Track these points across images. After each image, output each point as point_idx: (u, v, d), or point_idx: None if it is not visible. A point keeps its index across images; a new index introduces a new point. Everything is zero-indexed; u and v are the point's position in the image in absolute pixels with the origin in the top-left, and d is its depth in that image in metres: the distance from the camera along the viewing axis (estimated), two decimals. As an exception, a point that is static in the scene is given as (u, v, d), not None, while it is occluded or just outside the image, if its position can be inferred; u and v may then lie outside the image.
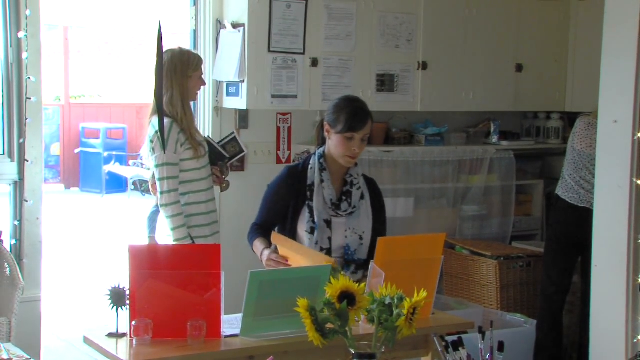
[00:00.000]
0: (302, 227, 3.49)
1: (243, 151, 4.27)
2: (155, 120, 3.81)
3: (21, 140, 4.41)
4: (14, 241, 4.47)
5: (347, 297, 2.25)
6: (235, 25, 4.75)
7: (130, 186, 12.37)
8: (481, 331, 2.66)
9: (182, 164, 3.90)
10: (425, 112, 5.40)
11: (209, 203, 4.01)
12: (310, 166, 3.55)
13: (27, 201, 4.43)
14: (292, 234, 3.52)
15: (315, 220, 3.48)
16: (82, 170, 13.23)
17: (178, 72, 3.92)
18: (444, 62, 5.28)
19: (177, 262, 2.88)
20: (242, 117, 5.03)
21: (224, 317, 2.91)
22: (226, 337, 2.91)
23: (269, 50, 4.74)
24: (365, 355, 2.22)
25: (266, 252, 3.42)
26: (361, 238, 3.52)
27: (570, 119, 5.70)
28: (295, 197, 3.53)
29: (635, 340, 3.66)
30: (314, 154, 3.58)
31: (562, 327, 4.83)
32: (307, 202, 3.51)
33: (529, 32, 5.59)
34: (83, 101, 14.62)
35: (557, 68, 5.71)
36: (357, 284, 2.27)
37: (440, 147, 5.36)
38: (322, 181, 3.51)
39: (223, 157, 4.14)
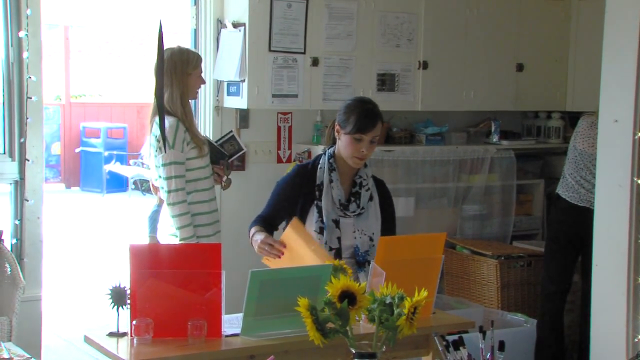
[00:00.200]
0: (311, 227, 3.49)
1: (242, 149, 4.27)
2: (162, 119, 3.80)
3: (22, 140, 4.41)
4: (14, 240, 4.47)
5: (348, 297, 2.25)
6: (235, 25, 4.75)
7: (131, 185, 12.37)
8: (482, 330, 2.66)
9: (187, 163, 3.89)
10: (426, 112, 5.40)
11: (211, 202, 4.01)
12: (319, 166, 3.55)
13: (27, 200, 4.44)
14: None
15: (324, 220, 3.48)
16: (82, 169, 13.23)
17: (177, 70, 3.92)
18: (445, 61, 5.28)
19: (177, 262, 2.88)
20: (243, 116, 5.03)
21: (225, 317, 2.91)
22: (227, 336, 2.91)
23: (270, 50, 4.74)
24: (366, 355, 2.22)
25: (259, 236, 3.40)
26: (371, 239, 3.52)
27: (571, 118, 5.71)
28: (303, 196, 3.53)
29: (636, 340, 3.66)
30: (324, 153, 3.58)
31: (563, 326, 4.83)
32: (315, 202, 3.51)
33: (530, 32, 5.58)
34: (84, 100, 14.62)
35: (557, 67, 5.71)
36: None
37: (440, 147, 5.36)
38: (331, 181, 3.52)
39: (224, 156, 4.15)
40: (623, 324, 3.68)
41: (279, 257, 3.31)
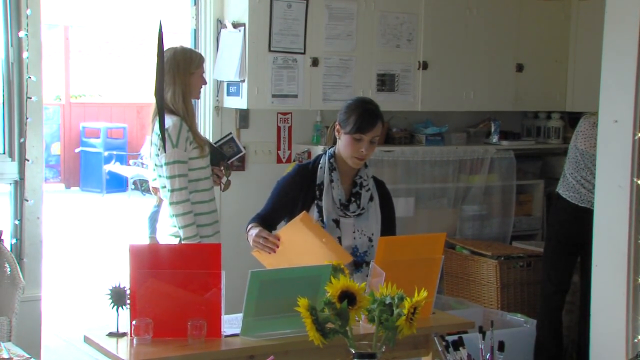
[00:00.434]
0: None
1: (241, 151, 4.27)
2: (164, 118, 3.80)
3: (22, 140, 4.41)
4: (14, 240, 4.47)
5: (348, 297, 2.25)
6: (235, 25, 4.75)
7: (131, 186, 12.37)
8: (481, 331, 2.66)
9: (189, 163, 3.89)
10: (426, 112, 5.40)
11: (210, 202, 4.01)
12: (320, 165, 3.55)
13: (27, 200, 4.43)
14: None
15: (324, 220, 3.48)
16: (82, 169, 13.23)
17: (180, 69, 3.92)
18: (445, 61, 5.28)
19: (177, 262, 2.88)
20: (243, 116, 5.03)
21: (225, 317, 2.91)
22: (226, 336, 2.91)
23: (270, 50, 4.74)
24: (366, 355, 2.22)
25: (255, 229, 3.39)
26: (370, 240, 3.52)
27: (570, 118, 5.71)
28: (304, 195, 3.53)
29: (636, 340, 3.66)
30: (325, 153, 3.58)
31: (562, 326, 4.83)
32: (316, 202, 3.51)
33: (530, 32, 5.58)
34: (83, 100, 14.62)
35: (557, 68, 5.71)
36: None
37: (440, 147, 5.36)
38: (331, 181, 3.52)
39: (223, 157, 4.15)
40: (623, 324, 3.68)
41: (274, 251, 3.31)
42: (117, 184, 12.71)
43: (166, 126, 3.80)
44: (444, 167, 5.35)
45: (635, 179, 3.66)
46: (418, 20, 5.16)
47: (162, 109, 3.69)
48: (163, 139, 3.78)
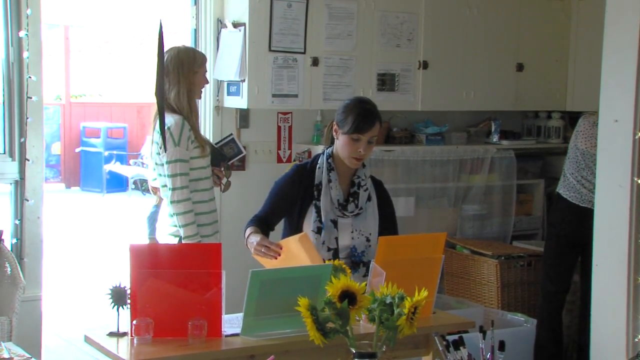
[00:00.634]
0: (309, 227, 3.49)
1: (242, 152, 4.26)
2: (165, 118, 3.80)
3: (22, 140, 4.41)
4: (14, 240, 4.47)
5: (348, 297, 2.25)
6: (236, 25, 4.75)
7: (131, 185, 12.37)
8: (482, 330, 2.66)
9: (190, 162, 3.89)
10: (426, 112, 5.40)
11: (210, 202, 4.01)
12: (318, 165, 3.55)
13: (27, 200, 4.44)
14: (298, 233, 3.51)
15: (323, 220, 3.48)
16: (82, 169, 13.23)
17: (185, 68, 3.92)
18: (445, 61, 5.28)
19: (178, 262, 2.89)
20: (243, 116, 5.03)
21: (225, 317, 2.91)
22: (227, 336, 2.91)
23: (270, 50, 4.74)
24: (366, 355, 2.22)
25: (254, 238, 3.38)
26: (368, 240, 3.52)
27: (571, 118, 5.71)
28: (302, 195, 3.53)
29: (636, 339, 3.66)
30: (323, 153, 3.58)
31: (562, 326, 4.83)
32: (314, 202, 3.51)
33: (530, 32, 5.58)
34: (84, 100, 14.62)
35: (557, 67, 5.71)
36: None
37: (440, 147, 5.36)
38: (329, 181, 3.51)
39: (224, 158, 4.15)
40: (623, 323, 3.68)
41: (276, 258, 3.31)
42: (118, 183, 12.71)
43: (168, 125, 3.80)
44: (445, 166, 5.35)
45: (635, 179, 3.66)
46: (418, 19, 5.16)
47: (162, 108, 3.69)
48: (163, 138, 3.78)
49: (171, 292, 2.85)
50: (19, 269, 4.17)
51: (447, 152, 5.36)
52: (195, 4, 4.95)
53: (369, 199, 3.57)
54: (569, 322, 5.01)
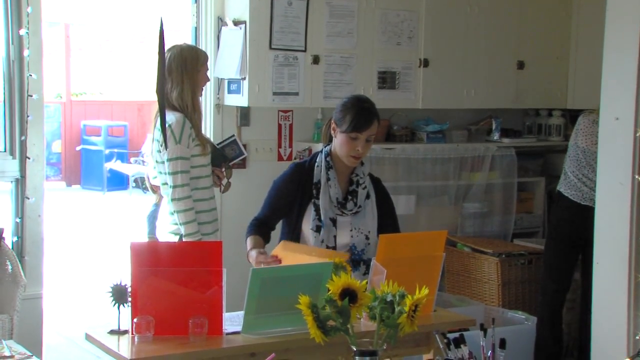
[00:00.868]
0: (308, 225, 3.49)
1: (243, 154, 4.26)
2: (166, 115, 3.80)
3: (22, 138, 4.41)
4: (15, 239, 4.47)
5: (349, 294, 2.25)
6: (236, 23, 4.75)
7: (132, 183, 12.37)
8: (483, 328, 2.66)
9: (191, 160, 3.89)
10: (427, 110, 5.40)
11: (210, 200, 4.01)
12: (316, 164, 3.55)
13: (28, 199, 4.44)
14: (297, 232, 3.52)
15: (322, 218, 3.48)
16: (83, 167, 13.23)
17: (188, 66, 3.92)
18: (446, 59, 5.28)
19: (178, 260, 2.89)
20: (244, 114, 5.03)
21: (226, 315, 2.91)
22: (228, 334, 2.91)
23: (271, 48, 4.74)
24: (367, 353, 2.22)
25: (253, 253, 3.40)
26: (367, 238, 3.51)
27: (572, 116, 5.70)
28: (301, 194, 3.52)
29: (637, 337, 3.66)
30: (321, 151, 3.58)
31: (563, 324, 4.83)
32: (313, 200, 3.50)
33: (531, 29, 5.58)
34: (84, 98, 14.62)
35: (558, 65, 5.70)
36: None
37: (441, 145, 5.36)
38: (328, 179, 3.51)
39: (226, 159, 4.15)
40: (624, 321, 3.68)
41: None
42: (118, 181, 12.71)
43: (169, 122, 3.80)
44: (445, 164, 5.35)
45: (636, 176, 3.65)
46: (419, 17, 5.16)
47: (163, 106, 3.69)
48: (164, 137, 3.78)
49: (172, 290, 2.85)
50: (20, 267, 4.17)
51: (448, 150, 5.36)
52: (196, 2, 4.95)
53: (368, 196, 3.56)
54: (570, 320, 5.01)
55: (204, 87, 4.09)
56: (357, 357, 2.23)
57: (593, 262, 3.89)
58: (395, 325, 2.23)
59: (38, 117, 4.43)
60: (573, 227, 4.66)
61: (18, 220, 4.46)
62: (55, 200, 10.28)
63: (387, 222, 3.58)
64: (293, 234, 3.52)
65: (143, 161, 11.69)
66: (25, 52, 4.34)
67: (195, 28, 4.98)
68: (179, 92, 3.88)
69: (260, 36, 4.71)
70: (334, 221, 3.50)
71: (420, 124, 5.44)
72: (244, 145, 4.81)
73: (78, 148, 13.25)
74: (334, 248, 3.48)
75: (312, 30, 4.84)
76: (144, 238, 4.23)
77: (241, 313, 2.92)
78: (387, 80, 5.10)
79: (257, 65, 4.71)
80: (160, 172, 3.92)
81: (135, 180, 12.34)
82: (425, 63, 5.20)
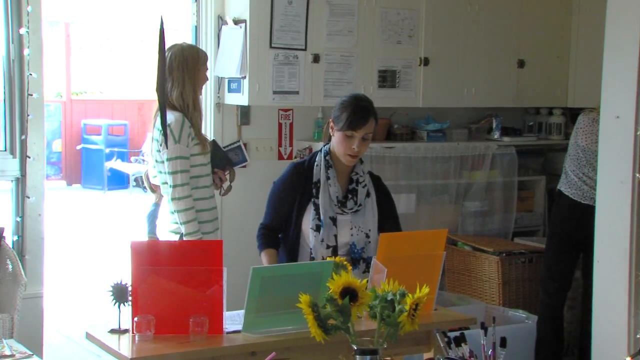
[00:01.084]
0: (307, 224, 3.49)
1: (246, 160, 4.26)
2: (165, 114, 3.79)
3: (23, 137, 4.41)
4: (16, 238, 4.47)
5: (349, 293, 2.25)
6: (236, 22, 4.74)
7: (132, 182, 12.37)
8: (483, 327, 2.66)
9: (191, 159, 3.89)
10: (427, 108, 5.39)
11: (211, 199, 4.01)
12: (316, 163, 3.54)
13: (29, 198, 4.43)
14: (297, 231, 3.52)
15: (321, 217, 3.47)
16: (83, 166, 13.23)
17: (190, 66, 3.91)
18: (446, 58, 5.27)
19: (179, 258, 2.89)
20: (244, 113, 5.02)
21: (226, 314, 2.91)
22: (228, 333, 2.91)
23: (271, 47, 4.73)
24: (368, 351, 2.22)
25: (265, 258, 3.45)
26: (367, 236, 3.51)
27: (572, 114, 5.69)
28: (300, 193, 3.52)
29: (638, 336, 3.65)
30: (320, 151, 3.58)
31: (563, 323, 4.83)
32: (312, 199, 3.50)
33: (531, 28, 5.58)
34: (85, 97, 14.63)
35: (559, 64, 5.70)
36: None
37: (442, 143, 5.36)
38: (328, 178, 3.51)
39: (230, 163, 4.14)
40: (624, 320, 3.68)
41: None
42: (119, 181, 12.72)
43: (168, 122, 3.79)
44: (446, 163, 5.35)
45: (637, 175, 3.65)
46: (419, 16, 5.16)
47: (163, 105, 3.69)
48: (165, 135, 3.77)
49: (172, 289, 2.85)
50: (20, 266, 4.17)
51: (448, 149, 5.36)
52: (196, 0, 4.95)
53: (368, 195, 3.56)
54: (571, 318, 5.01)
55: (202, 87, 4.08)
56: (357, 356, 2.23)
57: (594, 260, 3.88)
58: (396, 324, 2.23)
59: (38, 116, 4.43)
60: (573, 226, 4.66)
61: (18, 219, 4.46)
62: (56, 199, 10.28)
63: (388, 219, 3.58)
64: (293, 233, 3.52)
65: (143, 160, 11.69)
66: (26, 51, 4.34)
67: (196, 27, 4.98)
68: (180, 91, 3.88)
69: (261, 35, 4.70)
70: (333, 220, 3.50)
71: (420, 123, 5.44)
72: (245, 145, 4.81)
73: (78, 147, 13.25)
74: (335, 247, 3.48)
75: (313, 29, 4.83)
76: (144, 237, 4.23)
77: (242, 312, 2.92)
78: (387, 78, 5.10)
79: (258, 64, 4.71)
80: (160, 172, 3.92)
81: (136, 180, 12.34)
82: (426, 62, 5.20)
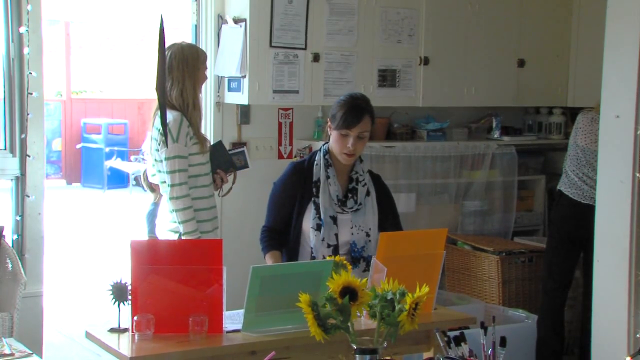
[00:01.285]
0: (308, 224, 3.49)
1: (247, 166, 4.26)
2: (165, 114, 3.79)
3: (23, 136, 4.41)
4: (15, 236, 4.47)
5: (349, 293, 2.25)
6: (236, 21, 4.74)
7: (132, 181, 12.37)
8: (483, 326, 2.66)
9: (189, 158, 3.89)
10: (427, 108, 5.39)
11: (210, 198, 4.01)
12: (315, 162, 3.55)
13: (28, 196, 4.43)
14: (297, 230, 3.52)
15: (322, 216, 3.47)
16: (83, 165, 13.23)
17: (189, 65, 3.91)
18: (446, 57, 5.27)
19: (178, 258, 2.88)
20: (244, 112, 5.02)
21: (226, 313, 2.91)
22: (228, 332, 2.91)
23: (271, 46, 4.73)
24: (367, 351, 2.22)
25: (270, 260, 3.45)
26: (368, 235, 3.51)
27: (572, 114, 5.69)
28: (301, 193, 3.52)
29: (638, 335, 3.65)
30: (320, 150, 3.58)
31: (564, 322, 4.83)
32: (312, 199, 3.50)
33: (531, 27, 5.58)
34: (84, 96, 14.62)
35: (559, 63, 5.70)
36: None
37: (442, 143, 5.36)
38: (327, 177, 3.51)
39: (234, 166, 4.14)
40: (624, 319, 3.68)
41: None
42: (118, 179, 12.72)
43: (166, 122, 3.79)
44: (446, 162, 5.35)
45: (637, 174, 3.65)
46: (419, 15, 5.16)
47: (163, 104, 3.68)
48: (165, 134, 3.77)
49: (172, 288, 2.85)
50: (20, 265, 4.17)
51: (448, 148, 5.36)
52: (196, -1, 4.95)
53: (368, 193, 3.56)
54: (571, 318, 5.01)
55: (202, 86, 4.08)
56: (357, 355, 2.23)
57: (593, 260, 3.88)
58: (396, 323, 2.23)
59: (38, 115, 4.42)
60: (574, 226, 4.66)
61: (18, 218, 4.46)
62: (56, 198, 10.28)
63: (388, 218, 3.58)
64: (294, 233, 3.52)
65: (143, 159, 11.66)
66: (25, 50, 4.33)
67: (196, 26, 4.97)
68: (179, 90, 3.88)
69: (261, 34, 4.70)
70: (334, 219, 3.50)
71: (420, 122, 5.44)
72: (245, 144, 4.81)
73: (78, 146, 13.25)
74: (336, 246, 3.48)
75: (313, 28, 4.83)
76: (144, 236, 4.23)
77: (241, 311, 2.92)
78: (387, 78, 5.10)
79: (257, 63, 4.71)
80: (159, 171, 3.92)
81: (136, 179, 12.32)
82: (426, 61, 5.20)
